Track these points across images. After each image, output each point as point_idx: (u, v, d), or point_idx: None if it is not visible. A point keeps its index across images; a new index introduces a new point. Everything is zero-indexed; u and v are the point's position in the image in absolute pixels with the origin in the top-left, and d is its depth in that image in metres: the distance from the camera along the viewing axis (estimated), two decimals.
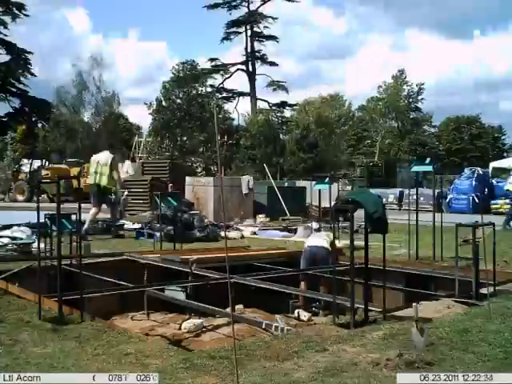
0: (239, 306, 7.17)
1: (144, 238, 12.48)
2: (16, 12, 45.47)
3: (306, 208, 19.02)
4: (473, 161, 47.90)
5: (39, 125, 46.15)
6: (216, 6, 54.74)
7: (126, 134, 47.42)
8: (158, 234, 11.03)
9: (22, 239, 9.71)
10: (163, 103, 38.33)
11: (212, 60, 55.58)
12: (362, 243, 5.61)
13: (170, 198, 10.90)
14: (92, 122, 43.52)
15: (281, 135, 46.79)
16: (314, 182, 13.74)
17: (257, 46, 56.30)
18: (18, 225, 10.93)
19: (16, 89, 46.52)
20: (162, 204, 10.98)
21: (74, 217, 7.56)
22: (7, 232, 10.34)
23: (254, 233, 14.28)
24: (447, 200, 23.32)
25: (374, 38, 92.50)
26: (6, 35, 45.34)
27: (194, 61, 39.68)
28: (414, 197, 10.77)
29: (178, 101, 38.33)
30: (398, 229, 11.99)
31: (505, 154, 51.51)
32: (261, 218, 17.00)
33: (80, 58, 43.44)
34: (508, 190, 21.07)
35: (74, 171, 27.94)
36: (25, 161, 33.94)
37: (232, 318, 4.75)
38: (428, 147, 47.82)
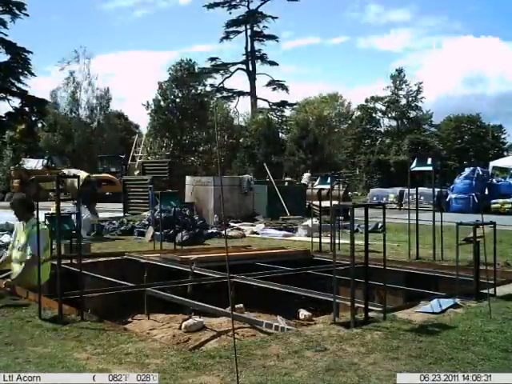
0: (239, 306, 7.16)
1: (142, 237, 12.52)
2: (16, 11, 45.51)
3: (306, 207, 19.05)
4: (473, 160, 47.89)
5: (39, 124, 46.23)
6: (216, 5, 54.82)
7: (126, 134, 47.46)
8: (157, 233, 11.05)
9: None
10: (161, 103, 38.29)
11: (212, 59, 55.71)
12: (362, 242, 5.60)
13: (170, 200, 10.88)
14: (88, 120, 43.61)
15: (280, 134, 46.79)
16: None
17: (257, 45, 56.41)
18: None
19: (16, 88, 46.57)
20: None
21: (73, 216, 7.59)
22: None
23: (255, 232, 14.29)
24: (447, 199, 23.31)
25: None
26: (6, 35, 45.39)
27: (190, 60, 39.62)
28: (414, 196, 10.77)
29: (177, 100, 38.29)
30: (399, 228, 12.01)
31: (505, 153, 51.51)
32: (260, 221, 16.90)
33: (65, 59, 43.43)
34: None
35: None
36: (25, 160, 34.05)
37: (232, 317, 4.75)
38: (428, 146, 47.85)
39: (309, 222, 13.61)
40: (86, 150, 40.34)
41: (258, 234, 14.12)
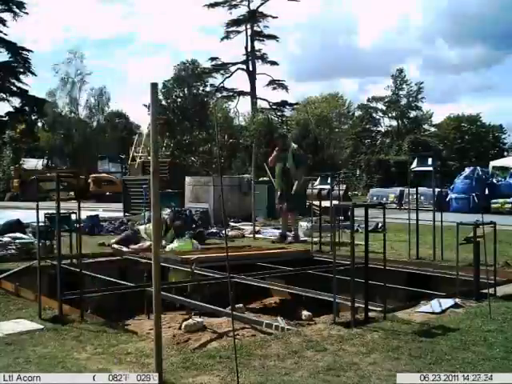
0: (239, 306, 7.16)
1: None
2: (16, 10, 45.53)
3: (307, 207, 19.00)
4: (473, 160, 47.89)
5: (39, 124, 46.27)
6: (216, 4, 54.77)
7: (126, 133, 47.47)
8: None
9: (22, 239, 9.72)
10: (163, 102, 38.34)
11: (212, 59, 55.63)
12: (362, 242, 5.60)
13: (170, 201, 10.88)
14: (87, 120, 43.72)
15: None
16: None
17: (257, 45, 56.37)
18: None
19: (16, 88, 46.57)
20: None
21: (73, 216, 7.58)
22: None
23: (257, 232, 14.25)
24: (447, 199, 23.29)
25: None
26: (6, 34, 45.40)
27: (196, 60, 39.78)
28: (414, 196, 10.77)
29: (179, 100, 38.39)
30: (399, 228, 12.01)
31: (505, 153, 51.52)
32: (258, 221, 16.83)
33: (58, 63, 43.69)
34: None
35: None
36: (25, 160, 34.16)
37: (232, 317, 4.74)
38: (428, 146, 47.96)
39: (309, 222, 13.60)
40: (86, 150, 40.38)
41: (258, 233, 14.10)
